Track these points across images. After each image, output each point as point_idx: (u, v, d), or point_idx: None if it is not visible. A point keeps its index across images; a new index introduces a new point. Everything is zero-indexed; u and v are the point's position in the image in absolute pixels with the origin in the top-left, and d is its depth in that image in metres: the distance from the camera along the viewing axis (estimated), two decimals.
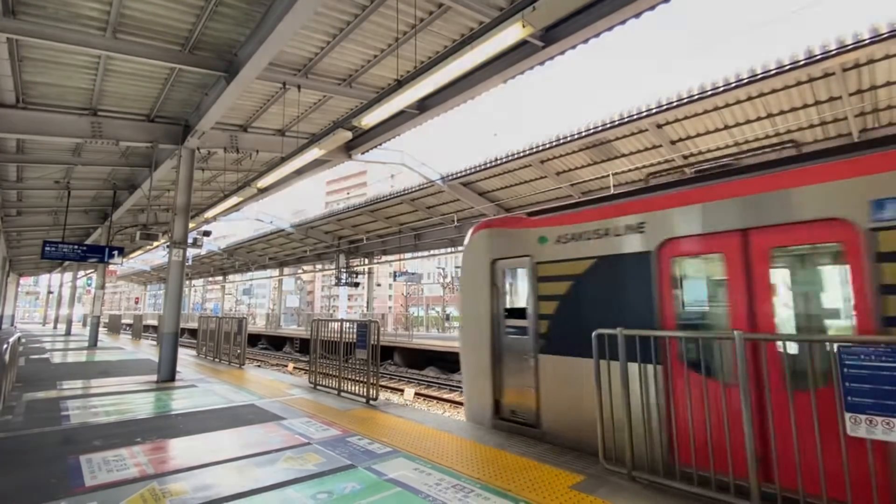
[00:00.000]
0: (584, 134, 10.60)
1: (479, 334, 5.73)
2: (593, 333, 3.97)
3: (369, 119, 6.45)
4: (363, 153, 10.85)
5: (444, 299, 46.54)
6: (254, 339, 28.76)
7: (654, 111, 9.38)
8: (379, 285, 36.23)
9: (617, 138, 10.80)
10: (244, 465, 4.04)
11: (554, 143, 11.25)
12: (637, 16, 5.55)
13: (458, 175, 13.79)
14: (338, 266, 23.44)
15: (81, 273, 29.70)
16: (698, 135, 10.21)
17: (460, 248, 6.34)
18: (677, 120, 9.86)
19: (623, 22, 5.63)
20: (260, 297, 69.89)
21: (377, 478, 3.73)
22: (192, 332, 29.71)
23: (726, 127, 9.76)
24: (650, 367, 3.92)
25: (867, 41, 6.84)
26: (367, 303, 25.33)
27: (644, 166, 11.40)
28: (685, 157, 10.86)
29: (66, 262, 24.13)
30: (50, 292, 39.09)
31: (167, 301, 9.17)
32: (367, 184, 79.89)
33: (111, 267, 33.54)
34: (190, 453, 4.37)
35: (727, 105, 9.13)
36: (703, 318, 4.02)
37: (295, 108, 9.10)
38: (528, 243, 5.31)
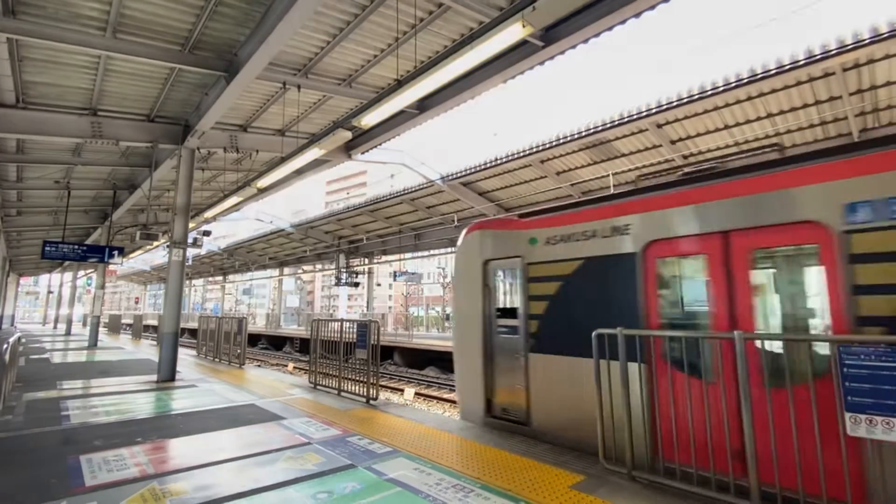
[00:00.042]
0: (584, 134, 10.60)
1: (472, 334, 5.82)
2: (593, 333, 3.98)
3: (369, 119, 6.45)
4: (363, 153, 10.85)
5: (444, 299, 46.57)
6: (254, 339, 28.76)
7: (653, 111, 9.38)
8: (379, 285, 36.21)
9: (617, 138, 10.80)
10: (244, 464, 4.05)
11: (554, 143, 11.25)
12: (637, 15, 5.55)
13: (458, 175, 13.79)
14: (338, 266, 23.44)
15: (81, 273, 29.71)
16: (698, 134, 10.21)
17: None
18: (677, 120, 9.86)
19: (623, 22, 5.63)
20: (260, 297, 69.88)
21: (377, 478, 3.73)
22: (192, 332, 29.71)
23: (726, 127, 9.77)
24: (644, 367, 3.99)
25: (867, 41, 6.84)
26: (367, 303, 25.34)
27: (644, 166, 11.41)
28: (685, 157, 10.87)
29: (66, 262, 24.15)
30: (50, 292, 39.08)
31: (167, 301, 9.17)
32: (366, 184, 79.85)
33: (111, 267, 33.56)
34: (190, 453, 4.37)
35: (727, 105, 9.13)
36: (687, 317, 4.11)
37: (295, 108, 9.10)
38: (520, 244, 5.42)
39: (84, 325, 32.64)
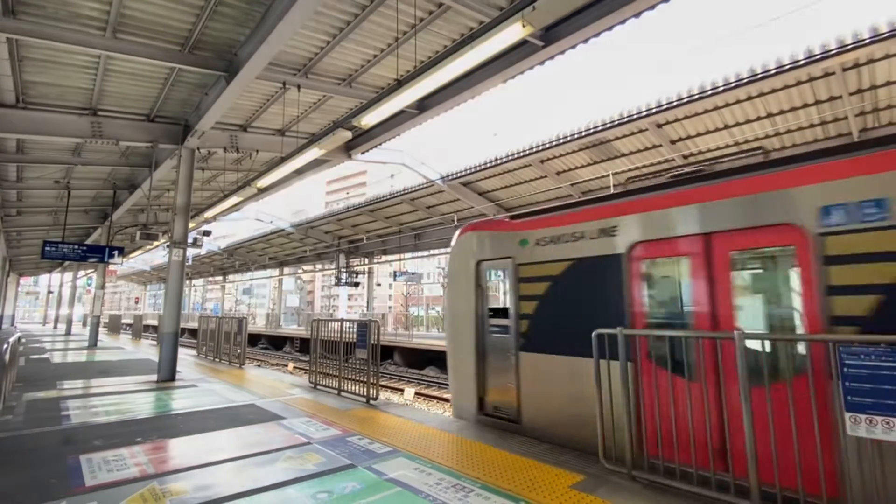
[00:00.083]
0: (584, 134, 10.60)
1: (465, 333, 5.92)
2: (593, 333, 4.01)
3: (369, 119, 6.45)
4: (363, 153, 10.85)
5: (443, 299, 46.48)
6: (254, 339, 28.76)
7: (653, 111, 9.38)
8: (379, 285, 36.20)
9: (617, 138, 10.80)
10: (244, 464, 4.05)
11: (554, 143, 11.24)
12: (637, 15, 5.55)
13: (458, 175, 13.79)
14: (338, 266, 23.44)
15: (81, 273, 29.71)
16: (698, 134, 10.21)
17: None
18: (677, 119, 9.86)
19: (623, 21, 5.63)
20: (260, 297, 69.84)
21: (377, 477, 3.73)
22: (192, 332, 29.71)
23: (726, 126, 9.76)
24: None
25: (867, 41, 6.84)
26: (367, 302, 25.34)
27: (644, 166, 11.41)
28: (685, 157, 10.86)
29: (66, 262, 24.14)
30: (50, 292, 39.08)
31: (167, 301, 9.17)
32: (366, 184, 79.84)
33: (111, 267, 33.55)
34: (190, 453, 4.37)
35: (727, 105, 9.13)
36: (670, 316, 4.21)
37: (295, 107, 9.10)
38: (511, 245, 5.52)
39: (84, 325, 32.64)
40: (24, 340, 14.34)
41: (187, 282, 42.66)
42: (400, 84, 5.76)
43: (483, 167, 13.14)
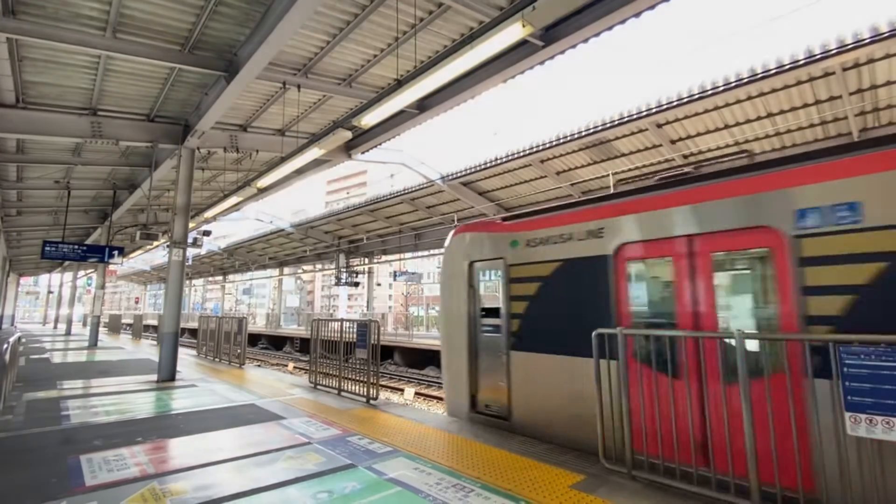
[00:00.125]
0: (583, 133, 10.60)
1: (458, 332, 6.03)
2: (593, 333, 4.04)
3: (369, 119, 6.45)
4: (363, 153, 10.85)
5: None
6: (254, 339, 28.76)
7: (654, 111, 9.37)
8: (379, 285, 36.20)
9: (617, 138, 10.79)
10: (244, 464, 4.05)
11: (554, 143, 11.24)
12: (637, 15, 5.54)
13: (458, 175, 13.79)
14: (338, 266, 23.44)
15: (81, 273, 29.71)
16: (698, 134, 10.21)
17: None
18: (677, 119, 9.86)
19: (623, 21, 5.63)
20: (260, 297, 69.85)
21: (377, 477, 3.73)
22: (193, 332, 29.71)
23: (726, 126, 9.76)
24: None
25: (867, 40, 6.84)
26: (368, 302, 25.34)
27: (644, 166, 11.41)
28: (685, 157, 10.86)
29: (66, 262, 24.14)
30: (50, 292, 39.07)
31: (167, 301, 9.17)
32: (366, 183, 79.84)
33: (111, 267, 33.55)
34: (190, 453, 4.37)
35: (727, 104, 9.13)
36: (655, 316, 4.31)
37: (295, 107, 9.10)
38: (502, 246, 5.64)
39: (84, 324, 32.65)
40: (24, 340, 14.35)
41: (187, 282, 42.66)
42: (400, 84, 5.76)
43: (483, 167, 13.14)
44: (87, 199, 15.21)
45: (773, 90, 8.55)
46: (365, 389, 6.83)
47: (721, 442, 3.45)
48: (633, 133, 10.53)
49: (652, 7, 5.40)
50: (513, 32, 4.46)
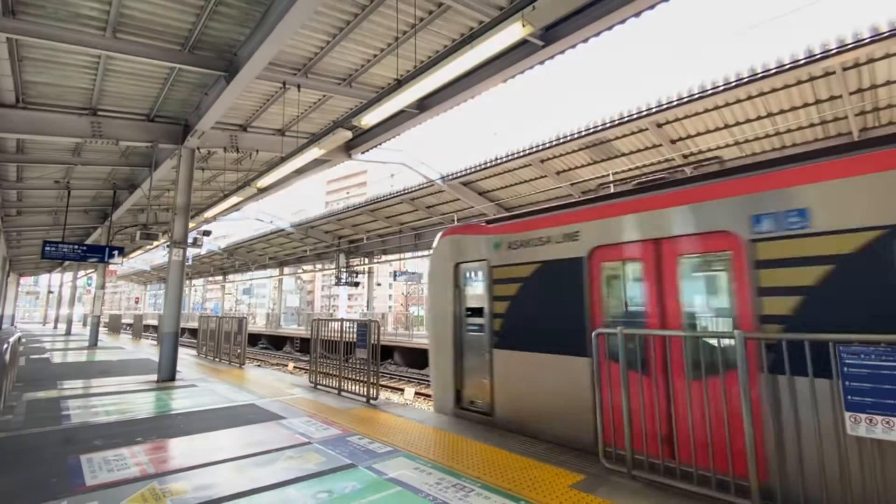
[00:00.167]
0: (583, 133, 10.60)
1: (444, 332, 6.25)
2: (593, 333, 4.09)
3: (369, 119, 6.45)
4: (363, 153, 10.85)
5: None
6: (254, 339, 28.76)
7: (653, 110, 9.37)
8: (379, 285, 36.21)
9: (617, 137, 10.79)
10: (244, 464, 4.05)
11: (554, 143, 11.24)
12: (637, 15, 5.54)
13: (458, 174, 13.79)
14: (338, 266, 23.44)
15: (81, 273, 29.71)
16: (698, 134, 10.21)
17: None
18: (677, 119, 9.86)
19: (623, 21, 5.63)
20: (260, 297, 69.84)
21: (377, 477, 3.73)
22: (193, 332, 29.71)
23: (726, 126, 9.76)
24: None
25: (867, 40, 6.84)
26: (368, 302, 25.34)
27: (644, 165, 11.41)
28: (685, 157, 10.87)
29: (66, 262, 24.14)
30: (50, 292, 39.08)
31: (167, 301, 9.17)
32: (366, 183, 79.84)
33: (111, 267, 33.55)
34: (190, 453, 4.37)
35: (727, 104, 9.12)
36: (625, 316, 4.50)
37: (295, 107, 9.10)
38: (486, 249, 5.85)
39: (84, 324, 32.65)
40: (24, 340, 14.35)
41: (187, 282, 42.66)
42: (400, 84, 5.76)
43: (483, 167, 13.14)
44: (87, 199, 15.21)
45: (773, 90, 8.55)
46: (365, 389, 6.84)
47: (685, 434, 3.65)
48: (633, 133, 10.53)
49: (652, 7, 5.41)
50: (513, 32, 4.46)
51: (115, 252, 12.04)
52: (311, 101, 8.97)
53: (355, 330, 7.19)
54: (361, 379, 7.05)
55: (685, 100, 8.90)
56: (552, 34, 6.19)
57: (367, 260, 23.78)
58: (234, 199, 11.39)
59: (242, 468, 3.95)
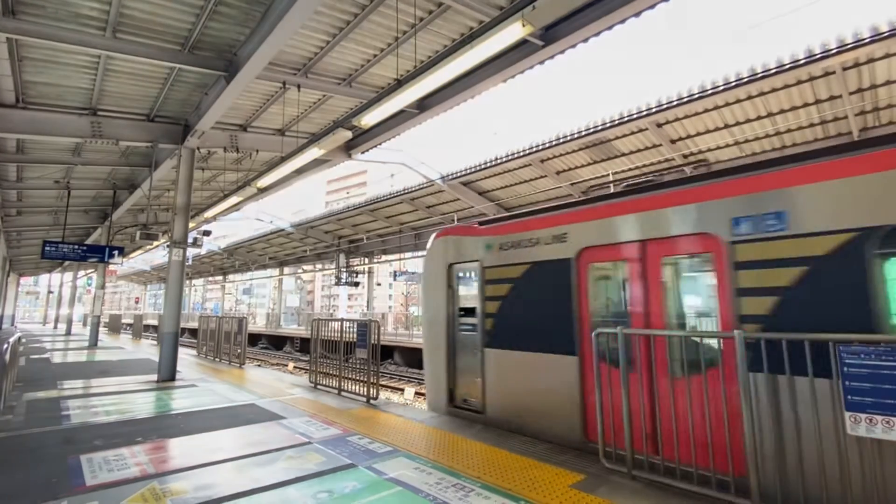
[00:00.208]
0: (583, 133, 10.60)
1: (438, 331, 6.35)
2: (593, 333, 4.09)
3: (369, 118, 6.46)
4: (363, 153, 10.85)
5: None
6: (254, 339, 28.75)
7: (654, 110, 9.37)
8: (379, 285, 36.21)
9: (617, 137, 10.79)
10: (244, 464, 4.05)
11: (554, 143, 11.24)
12: (637, 15, 5.54)
13: (458, 174, 13.78)
14: (338, 266, 23.44)
15: (81, 273, 29.71)
16: (698, 134, 10.20)
17: None
18: (677, 119, 9.85)
19: (623, 21, 5.63)
20: (260, 297, 69.81)
21: (378, 477, 3.73)
22: (193, 332, 29.71)
23: (726, 126, 9.76)
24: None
25: (867, 40, 6.84)
26: (368, 302, 25.33)
27: (644, 165, 11.40)
28: (685, 157, 10.86)
29: (66, 262, 24.14)
30: (50, 292, 39.06)
31: (167, 301, 9.17)
32: (366, 183, 79.84)
33: (111, 267, 33.54)
34: (190, 453, 4.37)
35: (727, 104, 9.12)
36: (611, 315, 4.61)
37: (295, 107, 9.10)
38: (478, 250, 5.94)
39: (84, 324, 32.65)
40: (24, 340, 14.35)
41: (187, 282, 42.66)
42: (400, 84, 5.76)
43: (483, 167, 13.13)
44: (87, 199, 15.21)
45: (773, 90, 8.54)
46: (365, 389, 6.84)
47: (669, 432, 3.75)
48: (633, 133, 10.52)
49: (652, 6, 5.41)
50: (513, 32, 4.46)
51: (115, 252, 12.05)
52: (311, 101, 8.97)
53: (355, 330, 7.19)
54: (361, 379, 7.05)
55: (685, 100, 8.90)
56: (552, 34, 6.19)
57: (367, 260, 23.77)
58: (234, 199, 11.39)
59: (242, 468, 3.95)
